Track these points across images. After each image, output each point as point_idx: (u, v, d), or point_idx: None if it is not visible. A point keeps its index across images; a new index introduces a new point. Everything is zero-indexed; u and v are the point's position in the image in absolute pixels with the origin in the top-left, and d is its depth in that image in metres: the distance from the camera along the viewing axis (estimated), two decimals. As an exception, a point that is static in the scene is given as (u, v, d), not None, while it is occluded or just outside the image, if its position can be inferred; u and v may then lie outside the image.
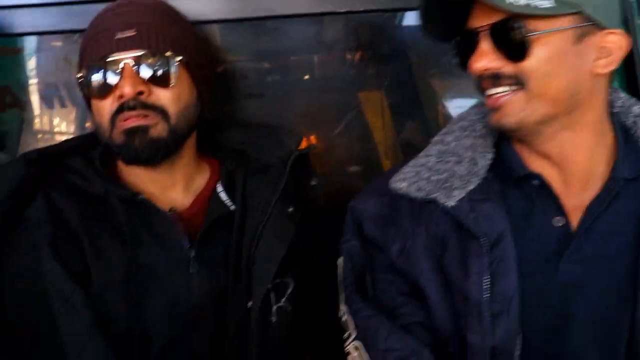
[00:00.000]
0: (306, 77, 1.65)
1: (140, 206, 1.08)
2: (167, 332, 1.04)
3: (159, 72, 1.05)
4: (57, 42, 1.54)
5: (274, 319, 1.06)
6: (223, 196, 1.16)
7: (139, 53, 1.04)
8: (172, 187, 1.15)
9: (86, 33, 1.11)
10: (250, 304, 1.04)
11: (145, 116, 1.03)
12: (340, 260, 1.05)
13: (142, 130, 1.03)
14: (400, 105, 1.68)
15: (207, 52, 1.23)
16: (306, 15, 1.45)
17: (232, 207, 1.14)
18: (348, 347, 0.96)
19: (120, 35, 1.04)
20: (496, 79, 0.89)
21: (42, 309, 0.98)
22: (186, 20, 1.18)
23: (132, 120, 1.03)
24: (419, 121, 1.71)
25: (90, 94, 1.08)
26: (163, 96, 1.06)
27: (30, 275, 1.00)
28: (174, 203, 1.13)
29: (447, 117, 1.70)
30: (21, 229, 1.04)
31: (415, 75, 1.70)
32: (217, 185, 1.17)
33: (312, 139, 1.65)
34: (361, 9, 1.46)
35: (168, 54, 1.06)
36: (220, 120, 1.27)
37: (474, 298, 0.90)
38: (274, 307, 1.06)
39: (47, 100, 1.51)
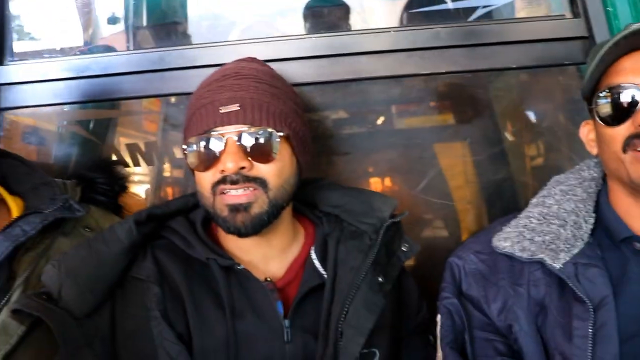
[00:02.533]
0: (389, 135, 1.69)
1: (238, 274, 1.10)
2: None
3: (261, 148, 1.05)
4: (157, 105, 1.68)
5: None
6: (317, 264, 1.14)
7: (242, 128, 1.05)
8: (269, 256, 1.15)
9: (191, 103, 1.13)
10: None
11: (247, 189, 1.04)
12: (439, 318, 1.05)
13: (245, 207, 1.04)
14: (485, 160, 1.68)
15: (306, 120, 1.20)
16: (391, 77, 1.51)
17: (325, 276, 1.13)
18: None
19: (224, 110, 1.05)
20: None
21: None
22: (289, 89, 1.18)
23: (235, 197, 1.05)
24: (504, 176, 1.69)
25: (192, 164, 1.09)
26: (264, 170, 1.06)
27: (142, 335, 1.03)
28: (269, 272, 1.14)
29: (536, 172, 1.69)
30: (131, 288, 1.08)
31: (501, 133, 1.70)
32: (312, 252, 1.16)
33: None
34: (443, 71, 1.51)
35: (270, 130, 1.06)
36: (313, 181, 1.28)
37: None
38: None
39: (148, 158, 1.63)
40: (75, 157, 1.65)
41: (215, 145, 1.05)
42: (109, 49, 1.76)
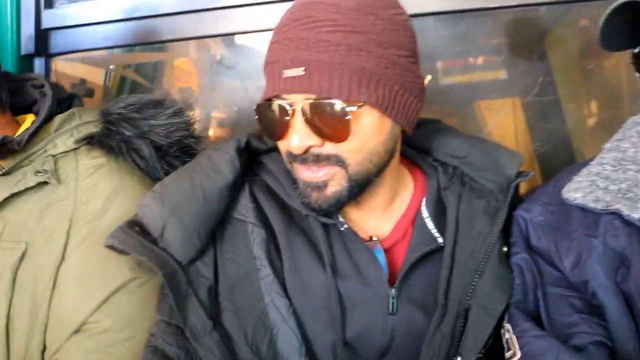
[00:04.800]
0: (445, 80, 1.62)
1: (340, 231, 0.97)
2: None
3: (330, 125, 0.85)
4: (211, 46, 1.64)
5: None
6: (429, 224, 0.99)
7: (309, 98, 0.85)
8: (371, 212, 1.00)
9: (267, 51, 0.93)
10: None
11: (322, 167, 0.88)
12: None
13: (319, 186, 0.89)
14: (537, 111, 1.60)
15: (409, 63, 0.92)
16: (453, 12, 1.42)
17: (440, 240, 0.97)
18: None
19: (288, 73, 0.85)
20: None
21: (259, 319, 0.91)
22: (385, 27, 0.87)
23: (308, 175, 0.89)
24: (558, 128, 1.62)
25: (263, 131, 0.95)
26: (339, 147, 0.87)
27: (248, 285, 0.92)
28: (373, 230, 0.99)
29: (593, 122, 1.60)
30: (233, 230, 0.97)
31: (555, 78, 1.61)
32: (422, 208, 1.00)
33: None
34: (514, 4, 1.38)
35: (339, 102, 0.84)
36: (426, 122, 1.11)
37: None
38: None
39: (200, 102, 1.60)
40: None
41: (280, 117, 0.88)
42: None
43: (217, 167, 0.97)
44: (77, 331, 0.94)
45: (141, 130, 1.07)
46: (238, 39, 1.63)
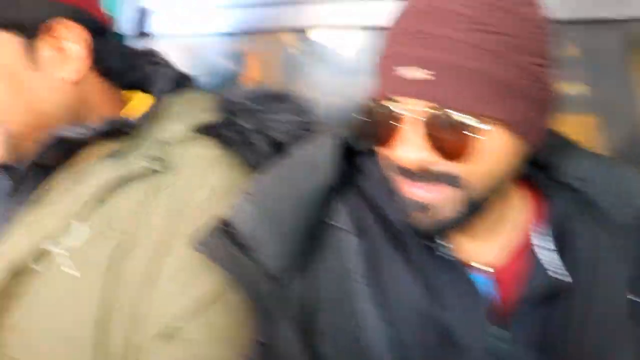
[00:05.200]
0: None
1: (441, 255, 0.82)
2: None
3: (452, 143, 0.71)
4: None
5: None
6: (551, 257, 0.82)
7: (433, 107, 0.70)
8: (478, 236, 0.84)
9: (385, 44, 0.79)
10: None
11: (434, 186, 0.74)
12: None
13: (425, 207, 0.75)
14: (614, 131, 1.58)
15: (548, 73, 0.75)
16: (576, 22, 1.40)
17: (565, 278, 0.80)
18: None
19: (405, 73, 0.71)
20: None
21: (356, 345, 0.79)
22: (525, 27, 0.71)
23: (415, 194, 0.75)
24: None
25: (364, 133, 0.81)
26: (459, 167, 0.72)
27: (343, 303, 0.80)
28: (478, 257, 0.83)
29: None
30: (327, 239, 0.83)
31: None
32: (540, 236, 0.83)
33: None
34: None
35: (470, 120, 0.69)
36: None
37: None
38: None
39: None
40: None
41: (391, 122, 0.73)
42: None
43: (317, 165, 0.85)
44: (163, 335, 0.86)
45: (260, 124, 0.99)
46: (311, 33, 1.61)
